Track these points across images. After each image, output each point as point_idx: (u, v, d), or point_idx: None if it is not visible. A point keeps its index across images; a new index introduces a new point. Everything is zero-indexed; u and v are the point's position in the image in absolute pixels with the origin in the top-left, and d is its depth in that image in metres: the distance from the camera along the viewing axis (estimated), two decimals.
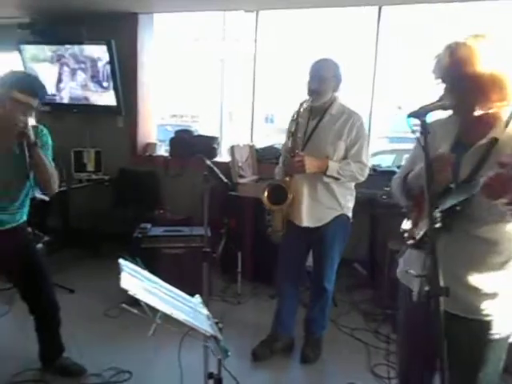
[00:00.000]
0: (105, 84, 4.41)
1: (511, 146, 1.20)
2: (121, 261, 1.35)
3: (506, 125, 1.24)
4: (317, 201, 2.38)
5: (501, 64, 1.18)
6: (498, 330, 1.29)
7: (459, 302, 1.27)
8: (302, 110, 2.30)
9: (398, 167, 3.77)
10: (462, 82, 1.21)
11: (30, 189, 2.12)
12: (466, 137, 1.32)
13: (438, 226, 1.11)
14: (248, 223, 3.63)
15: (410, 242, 1.32)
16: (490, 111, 1.23)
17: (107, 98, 4.44)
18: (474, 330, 1.30)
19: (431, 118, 1.46)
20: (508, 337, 1.32)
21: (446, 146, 1.35)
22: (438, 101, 1.22)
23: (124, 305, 1.11)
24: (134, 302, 1.18)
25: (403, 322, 1.53)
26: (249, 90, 4.47)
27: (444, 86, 1.27)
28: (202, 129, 9.23)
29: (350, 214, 2.50)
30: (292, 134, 2.31)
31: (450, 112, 1.36)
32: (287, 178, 2.34)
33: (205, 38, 8.47)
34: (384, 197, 3.32)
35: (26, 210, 2.20)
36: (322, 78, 2.28)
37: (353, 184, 2.48)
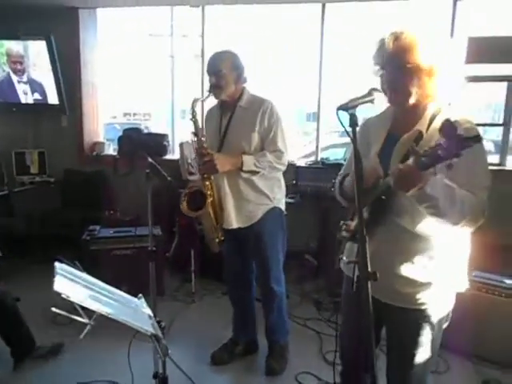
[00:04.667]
0: (43, 82, 4.22)
1: (434, 141, 1.21)
2: (56, 264, 1.30)
3: (432, 119, 1.27)
4: (243, 199, 2.25)
5: (439, 59, 1.22)
6: (433, 317, 1.36)
7: (396, 293, 1.34)
8: (195, 108, 2.17)
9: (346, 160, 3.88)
10: (402, 69, 1.23)
11: None
12: (397, 129, 1.34)
13: (364, 216, 1.15)
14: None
15: (344, 234, 1.37)
16: (422, 104, 1.27)
17: (49, 97, 4.26)
18: (411, 318, 1.36)
19: (373, 112, 1.50)
20: (441, 320, 1.39)
21: (380, 139, 1.38)
22: (366, 95, 1.22)
23: (54, 308, 1.07)
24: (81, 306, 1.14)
25: (342, 308, 1.59)
26: (198, 87, 4.43)
27: (382, 72, 1.28)
28: (154, 127, 9.05)
29: (282, 207, 2.37)
30: (195, 134, 2.18)
31: (385, 106, 1.40)
32: (207, 182, 2.22)
33: (154, 34, 8.29)
34: (332, 189, 3.40)
35: None
36: (219, 71, 2.17)
37: (278, 174, 2.33)
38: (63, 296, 1.09)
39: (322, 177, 3.55)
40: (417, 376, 1.41)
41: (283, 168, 2.29)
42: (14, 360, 2.37)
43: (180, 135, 4.87)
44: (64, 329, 2.86)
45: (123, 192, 4.30)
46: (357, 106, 1.20)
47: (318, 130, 4.30)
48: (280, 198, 2.37)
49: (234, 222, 2.28)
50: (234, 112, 2.27)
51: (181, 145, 3.57)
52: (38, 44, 4.07)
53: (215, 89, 2.18)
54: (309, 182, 3.59)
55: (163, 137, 4.29)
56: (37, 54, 4.13)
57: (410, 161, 1.06)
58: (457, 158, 0.95)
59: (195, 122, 2.18)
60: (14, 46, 4.14)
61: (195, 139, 2.20)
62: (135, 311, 1.34)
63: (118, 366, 2.35)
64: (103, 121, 4.90)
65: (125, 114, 13.29)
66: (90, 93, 4.52)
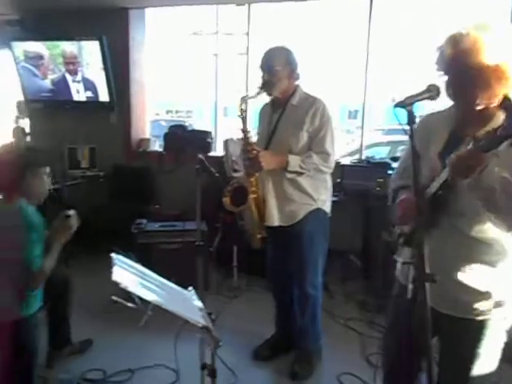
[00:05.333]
0: (95, 80, 4.40)
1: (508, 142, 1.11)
2: (113, 255, 1.36)
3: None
4: (286, 198, 2.23)
5: (505, 56, 1.14)
6: (494, 329, 1.28)
7: (452, 300, 1.27)
8: (243, 105, 2.17)
9: (392, 158, 3.79)
10: (466, 73, 1.16)
11: None
12: (462, 130, 1.27)
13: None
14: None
15: (400, 241, 1.33)
16: (492, 105, 1.19)
17: (100, 95, 4.44)
18: (469, 329, 1.29)
19: (427, 110, 1.44)
20: (504, 333, 1.31)
21: (441, 139, 1.32)
22: (425, 91, 1.17)
23: (114, 297, 1.12)
24: (129, 296, 1.19)
25: (390, 312, 1.53)
26: (242, 84, 4.47)
27: (446, 78, 1.22)
28: (196, 124, 9.24)
29: (326, 209, 2.32)
30: (242, 131, 2.18)
31: (446, 104, 1.32)
32: (252, 179, 2.22)
33: (198, 32, 8.46)
34: (377, 188, 3.34)
35: None
36: (272, 68, 2.14)
37: (325, 175, 2.28)
38: (121, 286, 1.13)
39: (366, 175, 3.49)
40: None
41: (329, 171, 2.24)
42: (49, 351, 2.39)
43: (222, 132, 4.94)
44: (118, 317, 2.97)
45: (168, 187, 4.41)
46: (414, 102, 1.16)
47: (362, 127, 4.22)
48: (324, 200, 2.31)
49: (275, 219, 2.28)
50: (284, 109, 2.25)
51: (225, 142, 3.61)
52: (91, 44, 4.25)
53: (268, 85, 2.17)
54: (353, 181, 3.53)
55: (207, 134, 4.36)
56: (89, 54, 4.31)
57: (469, 145, 1.03)
58: None
59: (243, 119, 2.19)
60: (69, 46, 4.33)
61: (242, 136, 2.21)
62: (186, 303, 1.38)
63: (164, 357, 2.42)
64: (149, 118, 5.05)
65: (168, 112, 13.65)
66: (138, 91, 4.67)
